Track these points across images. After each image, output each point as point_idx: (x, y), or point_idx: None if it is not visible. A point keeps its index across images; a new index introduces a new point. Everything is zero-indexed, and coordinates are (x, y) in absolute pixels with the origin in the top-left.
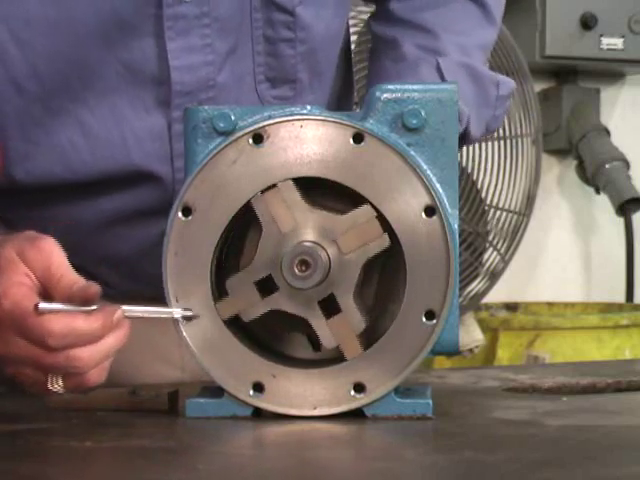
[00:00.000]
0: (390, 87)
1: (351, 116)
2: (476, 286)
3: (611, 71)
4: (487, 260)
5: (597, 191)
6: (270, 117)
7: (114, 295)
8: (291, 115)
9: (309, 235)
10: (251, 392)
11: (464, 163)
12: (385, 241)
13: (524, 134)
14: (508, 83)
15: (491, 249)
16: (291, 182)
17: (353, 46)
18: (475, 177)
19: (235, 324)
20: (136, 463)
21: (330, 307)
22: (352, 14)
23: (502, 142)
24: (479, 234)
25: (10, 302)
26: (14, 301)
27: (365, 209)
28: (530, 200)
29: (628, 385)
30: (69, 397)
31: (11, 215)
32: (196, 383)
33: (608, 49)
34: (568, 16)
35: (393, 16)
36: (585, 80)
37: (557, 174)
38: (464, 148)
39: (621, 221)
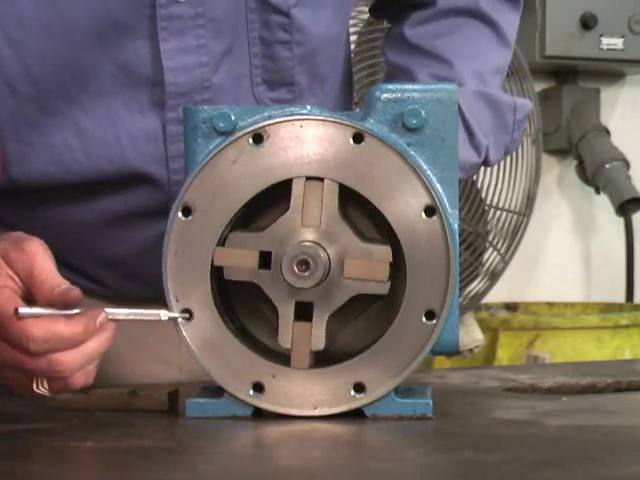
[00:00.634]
0: (390, 87)
1: (351, 116)
2: (476, 286)
3: (611, 71)
4: (487, 260)
5: (597, 191)
6: (270, 117)
7: (112, 296)
8: (291, 115)
9: (311, 235)
10: (251, 392)
11: None
12: (385, 288)
13: (524, 134)
14: (525, 106)
15: (491, 249)
16: (336, 185)
17: (353, 46)
18: (475, 177)
19: (235, 324)
20: (136, 463)
21: (304, 311)
22: (352, 14)
23: None
24: (479, 234)
25: None
26: None
27: (384, 249)
28: (530, 200)
29: (628, 385)
30: (69, 397)
31: (8, 215)
32: (194, 383)
33: (608, 49)
34: (568, 16)
35: (407, 43)
36: (585, 80)
37: (557, 174)
38: None
39: (621, 221)
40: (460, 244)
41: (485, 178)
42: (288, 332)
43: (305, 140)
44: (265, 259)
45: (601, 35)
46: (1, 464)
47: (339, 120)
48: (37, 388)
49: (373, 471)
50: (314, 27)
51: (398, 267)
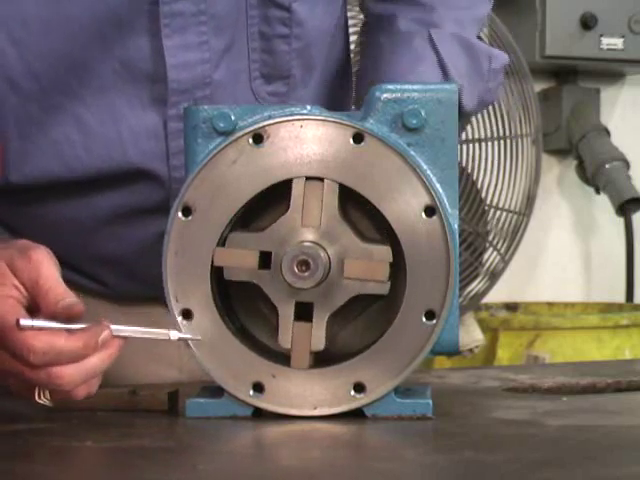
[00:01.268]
0: (390, 87)
1: (351, 116)
2: (476, 286)
3: (611, 71)
4: (487, 260)
5: (597, 191)
6: (270, 117)
7: (112, 295)
8: (291, 115)
9: (311, 236)
10: (251, 392)
11: (464, 163)
12: (385, 288)
13: (524, 134)
14: (501, 56)
15: (491, 249)
16: (336, 185)
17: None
18: (475, 177)
19: (235, 324)
20: (136, 463)
21: (304, 311)
22: (352, 14)
23: (502, 142)
24: (479, 234)
25: None
26: None
27: (384, 249)
28: (530, 200)
29: (628, 385)
30: None
31: (5, 213)
32: (194, 383)
33: (608, 49)
34: (568, 16)
35: None
36: (585, 80)
37: (557, 174)
38: (464, 148)
39: (621, 221)
40: (460, 244)
41: (485, 178)
42: (288, 332)
43: (305, 140)
44: (265, 259)
45: (601, 35)
46: (1, 464)
47: (339, 120)
48: (39, 398)
49: (373, 471)
50: (311, 20)
51: (398, 267)
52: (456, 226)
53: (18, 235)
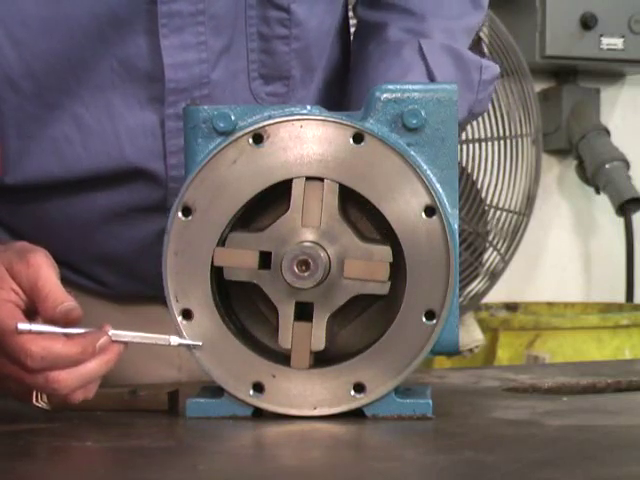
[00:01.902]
0: (390, 87)
1: (351, 116)
2: (476, 286)
3: (611, 71)
4: (487, 260)
5: (597, 191)
6: (270, 117)
7: (112, 295)
8: (291, 115)
9: (311, 236)
10: (251, 392)
11: (464, 163)
12: (385, 288)
13: (524, 134)
14: (492, 67)
15: (491, 249)
16: (336, 185)
17: None
18: (475, 177)
19: (235, 324)
20: (136, 463)
21: (304, 312)
22: (352, 14)
23: (502, 142)
24: (479, 234)
25: None
26: None
27: (384, 249)
28: (530, 200)
29: (628, 385)
30: None
31: (7, 212)
32: (193, 383)
33: (608, 49)
34: (568, 16)
35: (382, 2)
36: (585, 80)
37: (557, 174)
38: (464, 148)
39: (621, 221)
40: (460, 244)
41: (485, 178)
42: (288, 332)
43: (305, 140)
44: (265, 259)
45: (601, 35)
46: (1, 464)
47: (339, 120)
48: (37, 402)
49: (373, 471)
50: (310, 21)
51: (398, 267)
52: (456, 226)
53: (17, 234)
